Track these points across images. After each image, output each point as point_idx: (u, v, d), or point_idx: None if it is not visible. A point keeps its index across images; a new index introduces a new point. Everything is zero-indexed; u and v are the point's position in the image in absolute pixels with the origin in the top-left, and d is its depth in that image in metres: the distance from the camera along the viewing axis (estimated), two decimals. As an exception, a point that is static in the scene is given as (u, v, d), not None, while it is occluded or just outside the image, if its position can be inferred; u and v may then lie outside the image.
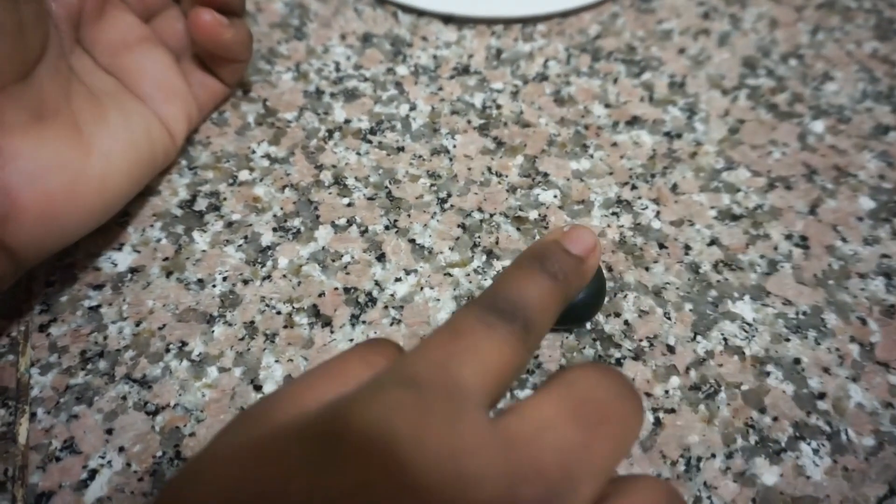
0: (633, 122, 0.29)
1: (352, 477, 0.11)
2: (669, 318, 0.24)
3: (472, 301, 0.15)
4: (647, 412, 0.22)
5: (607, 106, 0.30)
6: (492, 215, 0.26)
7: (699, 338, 0.23)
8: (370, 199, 0.27)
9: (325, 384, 0.14)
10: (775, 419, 0.22)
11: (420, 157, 0.28)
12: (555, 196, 0.27)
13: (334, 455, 0.11)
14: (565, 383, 0.13)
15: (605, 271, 0.25)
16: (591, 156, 0.28)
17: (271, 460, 0.12)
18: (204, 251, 0.25)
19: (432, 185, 0.27)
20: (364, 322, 0.23)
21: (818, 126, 0.30)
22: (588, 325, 0.24)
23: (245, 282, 0.24)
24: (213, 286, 0.24)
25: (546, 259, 0.16)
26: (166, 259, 0.25)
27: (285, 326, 0.23)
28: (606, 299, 0.24)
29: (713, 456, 0.21)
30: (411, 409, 0.12)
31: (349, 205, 0.26)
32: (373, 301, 0.24)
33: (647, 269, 0.25)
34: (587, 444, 0.12)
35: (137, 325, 0.23)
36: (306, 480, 0.11)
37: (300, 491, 0.11)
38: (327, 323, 0.23)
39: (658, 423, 0.22)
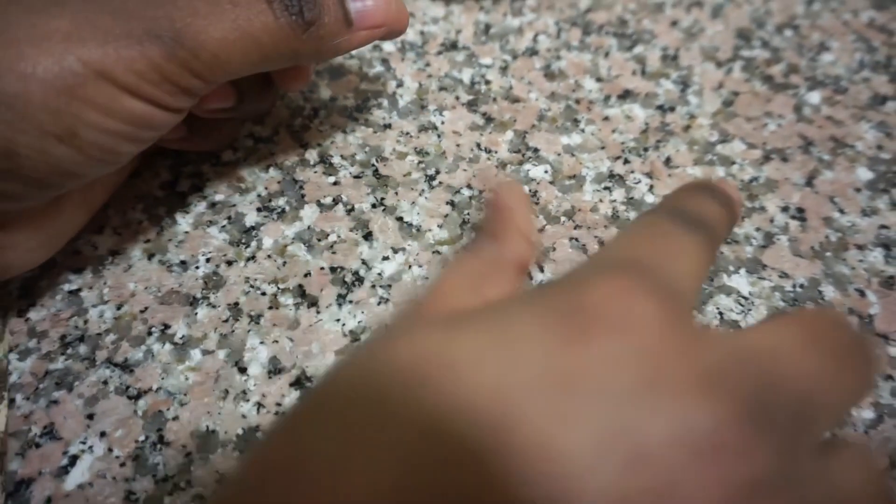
0: (625, 95, 0.29)
1: (606, 349, 0.11)
2: (664, 293, 0.23)
3: (655, 208, 0.16)
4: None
5: (599, 80, 0.29)
6: (481, 192, 0.26)
7: (694, 312, 0.23)
8: (356, 177, 0.26)
9: (460, 282, 0.14)
10: (773, 393, 0.21)
11: (407, 133, 0.27)
12: (545, 171, 0.26)
13: (583, 329, 0.11)
14: (796, 317, 0.13)
15: (597, 246, 0.24)
16: (583, 130, 0.28)
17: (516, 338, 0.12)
18: (187, 232, 0.24)
19: (420, 162, 0.26)
20: (351, 301, 0.23)
21: (814, 97, 0.29)
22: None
23: (229, 263, 0.24)
24: (197, 268, 0.24)
25: (713, 191, 0.17)
26: (148, 241, 0.24)
27: (270, 307, 0.23)
28: None
29: (709, 431, 0.21)
30: (640, 288, 0.12)
31: (335, 183, 0.26)
32: (360, 280, 0.23)
33: (640, 243, 0.24)
34: (832, 374, 0.12)
35: (119, 308, 0.23)
36: (564, 358, 0.11)
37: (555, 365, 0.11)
38: (313, 303, 0.23)
39: (653, 398, 0.21)
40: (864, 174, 0.27)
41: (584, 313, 0.11)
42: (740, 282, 0.24)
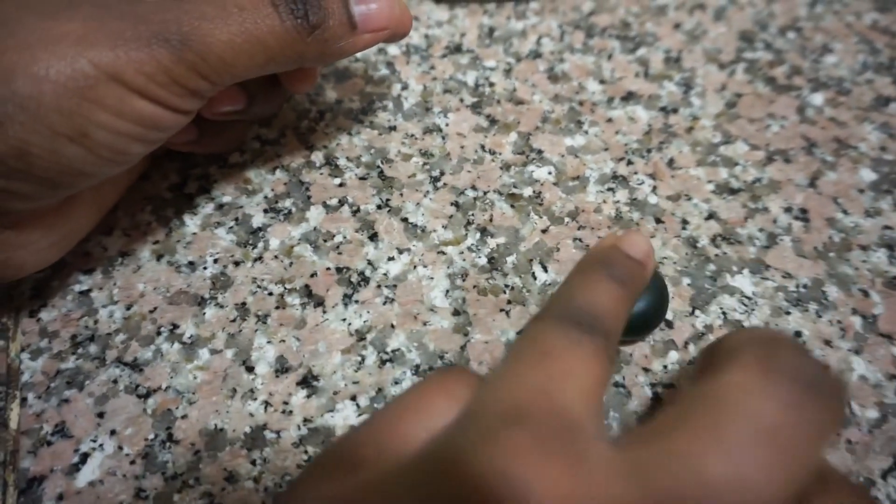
0: (628, 97, 0.29)
1: None
2: (667, 293, 0.23)
3: (544, 312, 0.14)
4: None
5: (602, 82, 0.30)
6: (485, 193, 0.26)
7: (697, 312, 0.23)
8: (362, 178, 0.26)
9: (407, 421, 0.13)
10: (776, 392, 0.21)
11: (412, 135, 0.27)
12: (549, 173, 0.26)
13: None
14: (728, 402, 0.11)
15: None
16: (586, 132, 0.28)
17: None
18: (195, 234, 0.25)
19: (425, 163, 0.27)
20: (357, 301, 0.23)
21: (817, 98, 0.29)
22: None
23: (236, 263, 0.24)
24: (205, 268, 0.24)
25: (611, 265, 0.16)
26: (157, 242, 0.25)
27: (277, 307, 0.23)
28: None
29: (713, 430, 0.21)
30: (531, 451, 0.11)
31: (341, 185, 0.26)
32: (365, 280, 0.24)
33: (643, 244, 0.25)
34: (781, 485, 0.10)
35: (128, 308, 0.23)
36: None
37: None
38: (320, 303, 0.23)
39: (657, 398, 0.21)
40: (868, 175, 0.27)
41: (478, 494, 0.10)
42: (744, 282, 0.24)
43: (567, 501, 0.10)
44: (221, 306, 0.23)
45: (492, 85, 0.29)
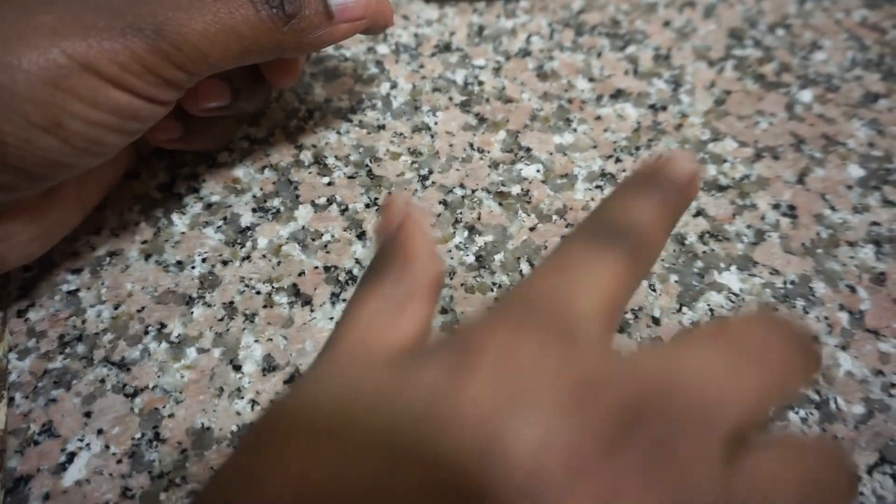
0: (618, 95, 0.29)
1: (488, 377, 0.11)
2: (654, 290, 0.23)
3: (578, 226, 0.14)
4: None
5: (591, 80, 0.30)
6: (474, 191, 0.26)
7: (685, 309, 0.23)
8: (350, 177, 0.26)
9: (375, 314, 0.14)
10: (763, 389, 0.22)
11: (401, 134, 0.28)
12: (538, 170, 0.26)
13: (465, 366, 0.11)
14: (725, 332, 0.13)
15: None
16: (575, 130, 0.28)
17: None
18: (183, 233, 0.25)
19: (413, 162, 0.27)
20: (344, 300, 0.23)
21: (806, 95, 0.29)
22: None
23: (224, 262, 0.24)
24: (193, 268, 0.24)
25: (653, 182, 0.15)
26: (145, 242, 0.25)
27: (265, 306, 0.23)
28: None
29: (699, 426, 0.21)
30: (532, 338, 0.11)
31: (329, 184, 0.26)
32: (353, 279, 0.24)
33: (631, 241, 0.25)
34: (734, 377, 0.12)
35: (116, 308, 0.23)
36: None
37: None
38: (307, 302, 0.23)
39: (643, 394, 0.21)
40: (856, 171, 0.27)
41: (468, 352, 0.11)
42: (731, 279, 0.24)
43: (543, 363, 0.11)
44: (209, 305, 0.23)
45: (481, 83, 0.29)
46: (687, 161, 0.16)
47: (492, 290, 0.23)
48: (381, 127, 0.28)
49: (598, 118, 0.28)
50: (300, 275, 0.24)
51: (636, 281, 0.14)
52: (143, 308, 0.23)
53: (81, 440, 0.20)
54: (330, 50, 0.30)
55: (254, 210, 0.25)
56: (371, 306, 0.14)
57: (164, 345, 0.22)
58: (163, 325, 0.23)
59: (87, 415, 0.21)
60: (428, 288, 0.15)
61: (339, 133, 0.28)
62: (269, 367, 0.22)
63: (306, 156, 0.27)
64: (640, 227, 0.14)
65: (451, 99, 0.29)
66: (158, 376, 0.22)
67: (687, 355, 0.12)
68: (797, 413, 0.21)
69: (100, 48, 0.17)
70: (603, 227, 0.14)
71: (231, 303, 0.23)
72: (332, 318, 0.23)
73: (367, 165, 0.27)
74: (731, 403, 0.11)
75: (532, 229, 0.25)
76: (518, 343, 0.11)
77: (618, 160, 0.27)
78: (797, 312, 0.23)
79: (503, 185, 0.26)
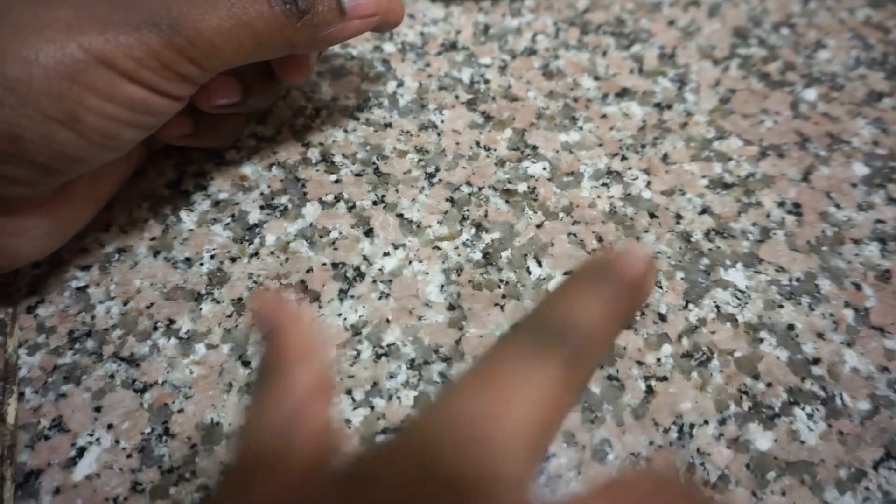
0: (623, 93, 0.29)
1: None
2: (661, 287, 0.24)
3: (519, 325, 0.14)
4: (641, 385, 0.22)
5: (596, 78, 0.30)
6: (480, 189, 0.26)
7: (691, 306, 0.23)
8: (358, 175, 0.26)
9: (272, 448, 0.13)
10: (769, 385, 0.22)
11: (408, 132, 0.28)
12: (544, 168, 0.27)
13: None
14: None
15: (595, 241, 0.25)
16: (581, 128, 0.28)
17: None
18: (191, 230, 0.25)
19: (420, 160, 0.27)
20: (352, 297, 0.23)
21: (811, 94, 0.29)
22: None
23: (233, 259, 0.24)
24: (201, 264, 0.24)
25: (602, 275, 0.14)
26: (153, 239, 0.25)
27: (273, 302, 0.23)
28: None
29: (706, 423, 0.21)
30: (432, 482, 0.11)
31: (337, 181, 0.26)
32: (361, 275, 0.24)
33: (637, 238, 0.25)
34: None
35: (125, 304, 0.23)
36: None
37: None
38: (315, 298, 0.23)
39: (650, 391, 0.21)
40: (860, 169, 0.27)
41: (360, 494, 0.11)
42: (737, 276, 0.24)
43: None
44: (218, 302, 0.23)
45: (487, 82, 0.29)
46: (639, 258, 0.15)
47: (499, 287, 0.23)
48: (388, 125, 0.28)
49: (604, 116, 0.28)
50: (308, 271, 0.24)
51: (577, 386, 0.13)
52: (151, 304, 0.23)
53: (91, 435, 0.20)
54: (337, 48, 0.31)
55: (262, 207, 0.25)
56: (266, 432, 0.14)
57: (173, 340, 0.22)
58: (171, 321, 0.23)
59: (97, 410, 0.21)
60: (316, 393, 0.14)
61: (346, 131, 0.28)
62: (277, 362, 0.22)
63: (314, 153, 0.27)
64: (584, 327, 0.13)
65: (457, 97, 0.29)
66: (167, 372, 0.22)
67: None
68: (803, 409, 0.21)
69: (116, 43, 0.17)
70: (544, 328, 0.13)
71: (239, 299, 0.23)
72: (340, 315, 0.23)
73: (374, 163, 0.27)
74: None
75: (539, 227, 0.25)
76: (415, 486, 0.11)
77: (623, 158, 0.27)
78: (803, 309, 0.23)
79: (510, 182, 0.26)
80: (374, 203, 0.26)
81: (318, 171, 0.26)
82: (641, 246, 0.16)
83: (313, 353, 0.14)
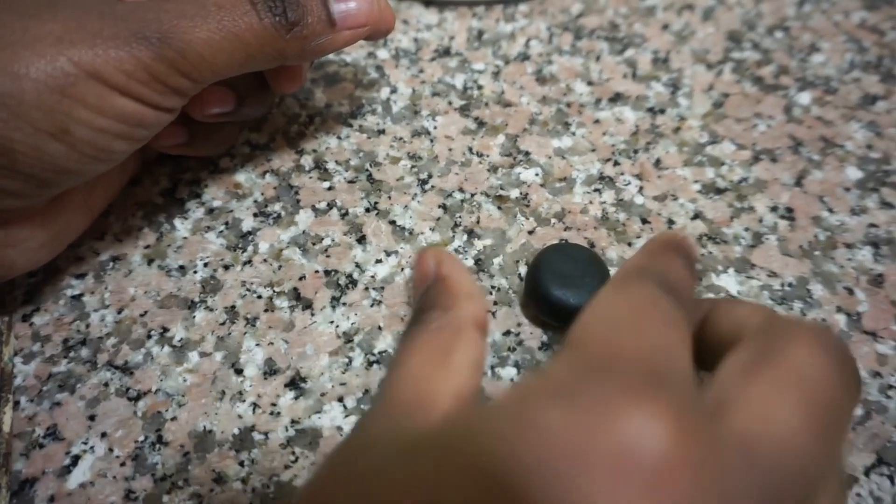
0: (616, 98, 0.29)
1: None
2: (652, 293, 0.24)
3: (634, 273, 0.14)
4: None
5: (590, 84, 0.30)
6: (473, 195, 0.26)
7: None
8: (351, 182, 0.26)
9: (423, 368, 0.13)
10: (760, 391, 0.22)
11: (401, 139, 0.28)
12: (536, 174, 0.27)
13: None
14: (795, 375, 0.11)
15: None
16: (573, 133, 0.28)
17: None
18: (185, 238, 0.25)
19: (413, 166, 0.27)
20: (344, 304, 0.23)
21: (804, 98, 0.29)
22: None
23: (226, 267, 0.24)
24: (195, 272, 0.24)
25: (681, 253, 0.15)
26: (148, 247, 0.25)
27: (266, 310, 0.23)
28: None
29: (697, 428, 0.21)
30: (667, 422, 0.10)
31: (330, 188, 0.26)
32: (353, 283, 0.24)
33: (629, 244, 0.25)
34: (827, 455, 0.11)
35: (119, 312, 0.23)
36: None
37: None
38: (308, 305, 0.23)
39: (641, 397, 0.21)
40: (854, 173, 0.27)
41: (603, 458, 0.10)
42: (729, 281, 0.24)
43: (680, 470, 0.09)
44: (211, 309, 0.23)
45: (480, 87, 0.30)
46: (694, 248, 0.16)
47: (490, 294, 0.23)
48: (381, 131, 0.28)
49: (597, 122, 0.28)
50: (301, 279, 0.24)
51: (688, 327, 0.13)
52: (145, 312, 0.23)
53: (85, 443, 0.21)
54: (330, 55, 0.31)
55: (255, 215, 0.26)
56: (418, 358, 0.14)
57: (167, 349, 0.22)
58: (165, 330, 0.23)
59: (91, 418, 0.21)
60: (474, 328, 0.14)
61: (339, 138, 0.28)
62: (270, 370, 0.22)
63: (307, 161, 0.27)
64: (686, 290, 0.14)
65: (450, 103, 0.29)
66: (161, 380, 0.22)
67: (785, 425, 0.11)
68: (794, 415, 0.21)
69: (106, 56, 0.17)
70: (665, 283, 0.13)
71: (232, 307, 0.23)
72: (332, 322, 0.23)
73: (367, 170, 0.27)
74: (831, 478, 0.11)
75: (531, 233, 0.25)
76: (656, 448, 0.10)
77: (616, 163, 0.27)
78: (795, 314, 0.23)
79: (502, 188, 0.26)
80: (367, 210, 0.26)
81: (311, 178, 0.27)
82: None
83: (475, 293, 0.15)
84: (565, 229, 0.25)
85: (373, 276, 0.24)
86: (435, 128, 0.28)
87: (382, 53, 0.31)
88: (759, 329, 0.13)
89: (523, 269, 0.24)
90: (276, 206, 0.26)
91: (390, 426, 0.13)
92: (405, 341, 0.15)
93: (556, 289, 0.21)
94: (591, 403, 0.10)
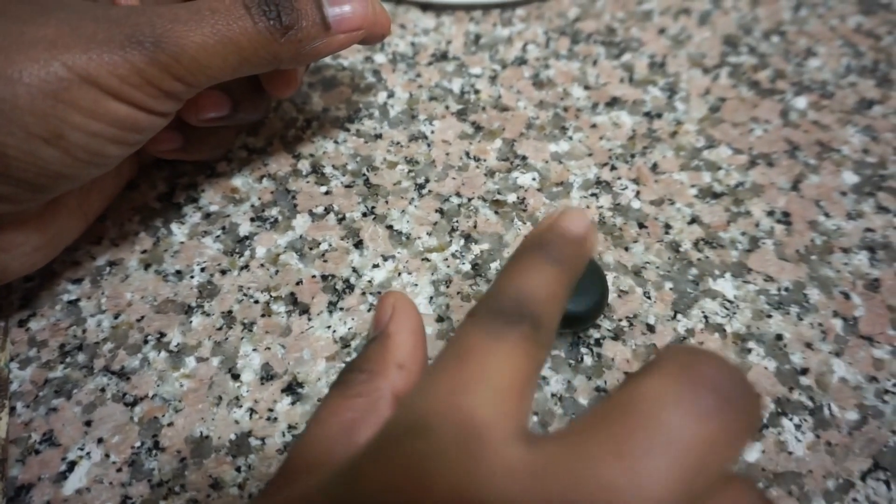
0: (613, 103, 0.29)
1: None
2: (649, 298, 0.24)
3: (474, 307, 0.14)
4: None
5: (586, 88, 0.30)
6: (470, 199, 0.26)
7: (679, 316, 0.23)
8: (348, 186, 0.26)
9: (332, 437, 0.14)
10: (757, 395, 0.22)
11: (398, 143, 0.28)
12: (533, 179, 0.27)
13: None
14: (634, 413, 0.11)
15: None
16: (570, 138, 0.28)
17: None
18: (182, 243, 0.25)
19: (410, 171, 0.27)
20: (342, 309, 0.23)
21: (801, 102, 0.29)
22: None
23: (223, 272, 0.24)
24: (192, 277, 0.24)
25: (545, 245, 0.15)
26: (145, 252, 0.25)
27: (263, 315, 0.23)
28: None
29: (694, 433, 0.21)
30: (424, 462, 0.11)
31: (327, 193, 0.26)
32: (350, 288, 0.24)
33: (626, 248, 0.25)
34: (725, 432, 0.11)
35: (116, 317, 0.23)
36: None
37: None
38: (305, 310, 0.23)
39: (638, 402, 0.21)
40: (850, 178, 0.27)
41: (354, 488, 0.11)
42: (725, 286, 0.24)
43: None
44: (208, 314, 0.23)
45: (477, 92, 0.30)
46: (578, 218, 0.15)
47: (488, 298, 0.23)
48: (378, 136, 0.28)
49: (594, 126, 0.28)
50: (298, 284, 0.24)
51: (540, 359, 0.13)
52: (142, 317, 0.23)
53: (82, 449, 0.21)
54: (327, 60, 0.31)
55: (252, 219, 0.26)
56: (325, 426, 0.15)
57: (164, 354, 0.22)
58: (162, 335, 0.23)
59: (88, 424, 0.21)
60: (388, 404, 0.15)
61: (336, 142, 0.28)
62: (267, 375, 0.22)
63: (304, 165, 0.27)
64: (538, 297, 0.13)
65: (447, 108, 0.29)
66: (158, 385, 0.22)
67: (612, 455, 0.10)
68: (791, 420, 0.21)
69: (100, 60, 0.17)
70: (498, 308, 0.13)
71: (229, 312, 0.23)
72: (329, 327, 0.23)
73: (364, 174, 0.27)
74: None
75: (528, 237, 0.25)
76: (410, 469, 0.11)
77: (613, 168, 0.27)
78: (791, 319, 0.23)
79: (499, 193, 0.26)
80: (364, 214, 0.26)
81: (308, 182, 0.27)
82: (580, 209, 0.16)
83: (412, 365, 0.15)
84: (562, 234, 0.25)
85: (370, 281, 0.24)
86: (432, 132, 0.28)
87: (380, 58, 0.31)
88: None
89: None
90: (273, 211, 0.26)
91: (287, 490, 0.13)
92: (325, 400, 0.15)
93: None
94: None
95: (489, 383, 0.12)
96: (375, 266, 0.24)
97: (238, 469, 0.20)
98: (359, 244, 0.25)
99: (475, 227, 0.25)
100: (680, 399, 0.11)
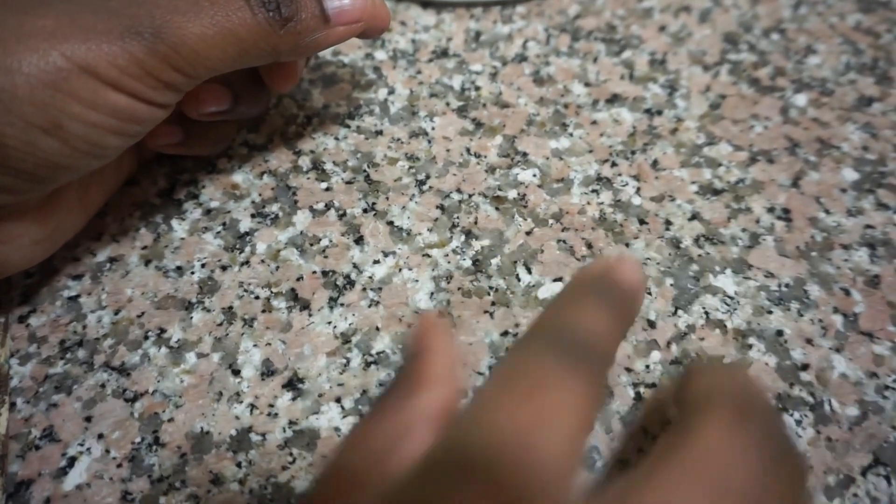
0: (613, 100, 0.29)
1: None
2: (650, 294, 0.24)
3: (533, 335, 0.13)
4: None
5: (587, 85, 0.30)
6: (470, 196, 0.26)
7: (680, 312, 0.23)
8: (348, 182, 0.26)
9: (372, 445, 0.13)
10: (757, 391, 0.22)
11: (398, 139, 0.28)
12: (534, 175, 0.27)
13: None
14: (700, 459, 0.11)
15: (585, 248, 0.25)
16: (571, 134, 0.28)
17: None
18: (182, 239, 0.25)
19: (411, 167, 0.27)
20: (342, 304, 0.23)
21: (801, 99, 0.29)
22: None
23: (223, 268, 0.24)
24: (192, 273, 0.24)
25: (605, 291, 0.14)
26: (145, 248, 0.25)
27: (263, 311, 0.23)
28: None
29: (695, 429, 0.21)
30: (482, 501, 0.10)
31: (327, 189, 0.26)
32: (351, 283, 0.24)
33: (627, 245, 0.25)
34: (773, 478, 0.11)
35: (116, 313, 0.23)
36: None
37: None
38: (305, 306, 0.23)
39: (639, 397, 0.22)
40: (850, 175, 0.27)
41: None
42: (726, 282, 0.24)
43: None
44: (208, 310, 0.23)
45: (478, 89, 0.30)
46: (635, 270, 0.15)
47: (488, 294, 0.24)
48: (379, 132, 0.28)
49: (594, 123, 0.28)
50: (298, 279, 0.24)
51: (602, 403, 0.13)
52: (142, 313, 0.23)
53: (82, 445, 0.21)
54: (328, 56, 0.31)
55: (252, 215, 0.26)
56: (365, 444, 0.14)
57: (164, 350, 0.22)
58: (162, 331, 0.23)
59: (88, 419, 0.21)
60: (425, 423, 0.14)
61: (337, 139, 0.28)
62: (267, 371, 0.22)
63: (304, 161, 0.27)
64: (601, 338, 0.13)
65: (448, 104, 0.29)
66: (158, 381, 0.22)
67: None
68: (792, 415, 0.21)
69: (99, 51, 0.17)
70: (567, 338, 0.13)
71: (230, 308, 0.23)
72: (329, 323, 0.23)
73: (364, 171, 0.27)
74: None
75: (528, 233, 0.25)
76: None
77: (613, 164, 0.27)
78: (792, 315, 0.23)
79: (500, 189, 0.26)
80: (365, 211, 0.26)
81: (308, 178, 0.27)
82: (633, 256, 0.15)
83: (449, 378, 0.14)
84: (563, 230, 0.25)
85: (370, 277, 0.24)
86: (433, 129, 0.28)
87: (380, 54, 0.31)
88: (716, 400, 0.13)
89: (521, 270, 0.24)
90: (274, 207, 0.26)
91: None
92: (367, 416, 0.14)
93: None
94: None
95: (565, 422, 0.11)
96: (376, 262, 0.24)
97: (239, 464, 0.20)
98: (359, 240, 0.25)
99: (476, 223, 0.25)
100: (737, 453, 0.11)
